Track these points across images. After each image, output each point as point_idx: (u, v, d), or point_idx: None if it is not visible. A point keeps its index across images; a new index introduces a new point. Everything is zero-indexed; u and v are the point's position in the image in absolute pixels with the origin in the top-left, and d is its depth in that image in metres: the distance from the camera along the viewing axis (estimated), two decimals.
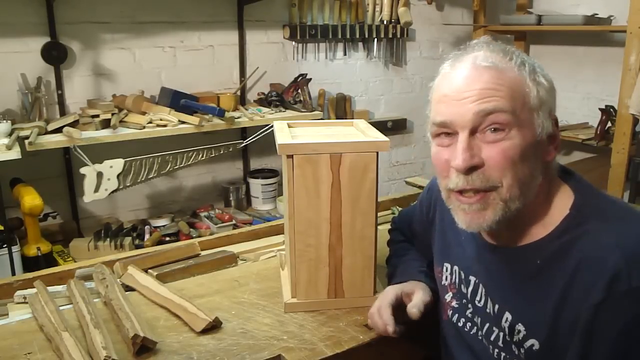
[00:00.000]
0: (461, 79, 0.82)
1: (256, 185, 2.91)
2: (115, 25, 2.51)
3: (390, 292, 1.05)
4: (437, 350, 1.20)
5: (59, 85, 2.42)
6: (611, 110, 2.78)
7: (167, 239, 2.47)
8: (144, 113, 2.39)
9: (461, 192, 0.83)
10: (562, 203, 0.84)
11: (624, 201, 0.90)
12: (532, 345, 0.80)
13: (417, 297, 1.03)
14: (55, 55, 2.37)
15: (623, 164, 2.57)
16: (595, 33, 3.03)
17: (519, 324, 0.83)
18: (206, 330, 1.06)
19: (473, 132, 0.81)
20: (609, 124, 2.80)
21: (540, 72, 0.83)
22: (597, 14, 2.87)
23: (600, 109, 2.85)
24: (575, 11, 3.00)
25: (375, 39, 3.22)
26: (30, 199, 2.03)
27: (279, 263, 1.36)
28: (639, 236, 0.75)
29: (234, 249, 1.48)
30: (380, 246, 1.17)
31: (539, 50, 3.45)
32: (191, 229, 2.57)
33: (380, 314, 1.01)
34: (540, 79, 0.82)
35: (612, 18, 2.89)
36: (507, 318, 0.85)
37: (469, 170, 0.81)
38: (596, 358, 0.73)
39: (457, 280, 0.99)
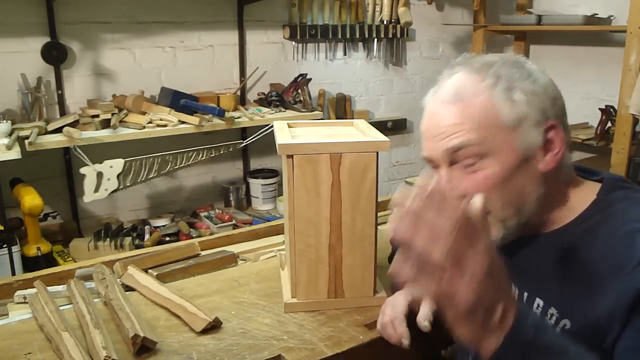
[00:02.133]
0: (430, 118, 0.85)
1: (256, 185, 2.91)
2: (115, 25, 2.51)
3: (401, 301, 1.05)
4: (437, 350, 1.20)
5: (59, 85, 2.42)
6: (611, 110, 2.78)
7: (167, 239, 2.47)
8: (144, 113, 2.39)
9: None
10: (588, 193, 0.85)
11: None
12: (565, 325, 0.80)
13: (427, 307, 1.03)
14: (55, 55, 2.37)
15: (623, 164, 2.57)
16: (595, 33, 3.03)
17: (552, 308, 0.83)
18: (206, 330, 1.06)
19: (452, 164, 0.83)
20: (609, 124, 2.80)
21: (519, 84, 0.80)
22: (597, 14, 2.87)
23: (600, 109, 2.84)
24: (575, 11, 3.00)
25: (375, 39, 3.22)
26: (30, 199, 2.03)
27: (279, 263, 1.36)
28: None
29: (234, 249, 1.48)
30: (380, 246, 1.17)
31: (539, 50, 3.46)
32: (191, 229, 2.56)
33: (395, 326, 1.02)
34: (516, 95, 0.80)
35: (612, 18, 2.89)
36: (538, 304, 0.85)
37: None
38: None
39: None
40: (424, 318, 1.01)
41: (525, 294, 0.88)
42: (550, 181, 0.83)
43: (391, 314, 1.03)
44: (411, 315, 1.03)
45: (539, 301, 0.85)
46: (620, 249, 0.75)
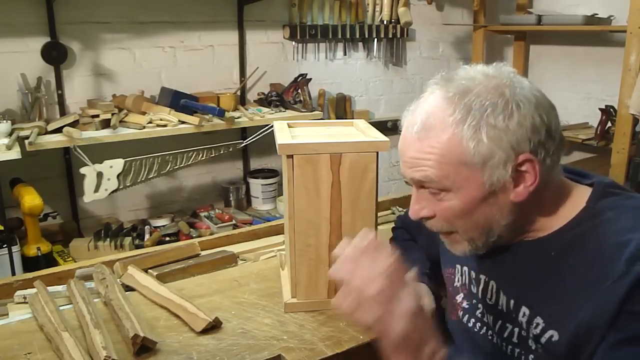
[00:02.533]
0: (401, 142, 0.87)
1: (256, 185, 2.91)
2: (115, 25, 2.51)
3: None
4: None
5: (59, 85, 2.42)
6: (611, 110, 2.78)
7: (167, 239, 2.47)
8: (144, 113, 2.39)
9: None
10: (577, 200, 0.84)
11: None
12: (552, 336, 0.80)
13: (424, 305, 1.03)
14: (55, 55, 2.37)
15: (623, 164, 2.56)
16: (595, 33, 3.03)
17: (537, 317, 0.82)
18: (206, 330, 1.06)
19: (421, 187, 0.85)
20: (609, 124, 2.80)
21: (489, 121, 0.76)
22: (597, 14, 2.87)
23: (600, 109, 2.84)
24: (575, 11, 3.00)
25: (375, 39, 3.22)
26: (30, 199, 2.03)
27: (279, 263, 1.36)
28: None
29: (234, 249, 1.48)
30: None
31: (539, 50, 3.46)
32: (191, 229, 2.57)
33: None
34: (483, 134, 0.76)
35: (612, 18, 2.89)
36: (524, 312, 0.85)
37: (423, 219, 0.87)
38: (621, 334, 0.71)
39: (467, 281, 0.99)
40: None
41: (512, 302, 0.87)
42: (525, 207, 0.82)
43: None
44: None
45: (524, 309, 0.85)
46: (606, 260, 0.74)
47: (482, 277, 0.94)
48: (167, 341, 1.03)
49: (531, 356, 0.84)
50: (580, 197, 0.84)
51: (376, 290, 0.72)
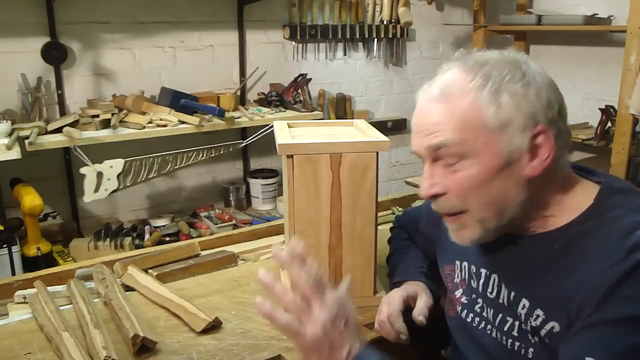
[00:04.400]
0: (417, 113, 0.86)
1: (256, 185, 2.91)
2: (115, 25, 2.51)
3: (396, 298, 1.05)
4: (437, 350, 1.20)
5: (59, 85, 2.42)
6: (611, 110, 2.78)
7: (167, 239, 2.47)
8: (144, 113, 2.39)
9: None
10: (585, 196, 0.84)
11: None
12: (553, 327, 0.80)
13: (422, 302, 1.03)
14: (55, 55, 2.37)
15: (623, 164, 2.57)
16: (595, 33, 3.03)
17: (537, 309, 0.82)
18: (206, 330, 1.06)
19: (435, 160, 0.84)
20: (609, 124, 2.80)
21: (508, 87, 0.78)
22: (597, 14, 2.87)
23: (600, 109, 2.84)
24: (575, 11, 3.00)
25: (375, 39, 3.22)
26: (30, 199, 2.03)
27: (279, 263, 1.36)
28: None
29: (234, 249, 1.48)
30: (380, 246, 1.17)
31: (539, 50, 3.46)
32: (191, 229, 2.57)
33: (392, 322, 1.01)
34: (503, 98, 0.78)
35: (612, 18, 2.89)
36: (524, 305, 0.85)
37: (433, 197, 0.85)
38: (606, 314, 0.71)
39: (467, 276, 0.99)
40: (419, 313, 1.01)
41: (512, 294, 0.87)
42: (537, 186, 0.82)
43: (387, 311, 1.03)
44: (409, 311, 1.03)
45: (525, 301, 0.85)
46: (608, 250, 0.74)
47: (483, 271, 0.94)
48: (167, 341, 1.03)
49: (531, 349, 0.84)
50: (587, 193, 0.84)
51: (289, 300, 0.79)
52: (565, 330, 0.77)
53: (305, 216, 1.10)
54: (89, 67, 2.49)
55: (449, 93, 0.81)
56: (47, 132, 2.20)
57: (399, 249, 1.24)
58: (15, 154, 2.00)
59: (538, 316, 0.82)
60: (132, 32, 2.55)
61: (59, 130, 2.21)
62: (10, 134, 2.11)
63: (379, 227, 1.17)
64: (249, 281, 1.29)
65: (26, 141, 2.05)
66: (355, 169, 1.09)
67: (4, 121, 2.13)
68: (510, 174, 0.80)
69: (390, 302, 1.04)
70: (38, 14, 2.32)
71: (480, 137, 0.79)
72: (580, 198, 0.84)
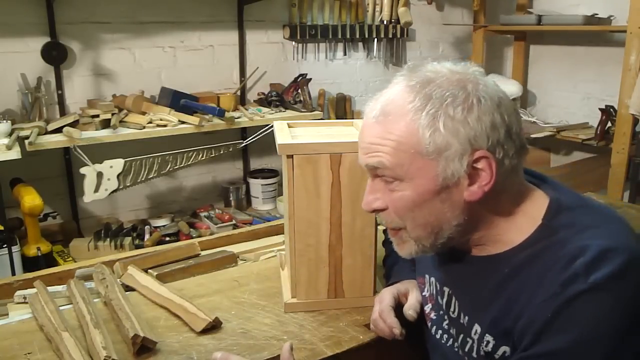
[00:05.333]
0: (360, 129, 0.85)
1: (256, 185, 2.91)
2: (115, 25, 2.51)
3: (387, 295, 1.05)
4: None
5: (59, 85, 2.42)
6: (611, 110, 2.78)
7: (167, 239, 2.48)
8: (144, 113, 2.39)
9: None
10: (534, 212, 0.82)
11: (605, 206, 0.87)
12: (505, 352, 0.80)
13: (412, 297, 1.03)
14: (55, 55, 2.37)
15: (623, 164, 2.57)
16: (595, 33, 3.03)
17: (487, 334, 0.82)
18: (206, 330, 1.06)
19: (376, 177, 0.84)
20: (609, 124, 2.80)
21: (447, 111, 0.75)
22: (597, 14, 2.87)
23: (600, 109, 2.85)
24: (575, 11, 3.00)
25: (375, 39, 3.22)
26: (30, 199, 2.03)
27: (279, 263, 1.36)
28: (607, 239, 0.74)
29: (234, 249, 1.48)
30: (380, 246, 1.17)
31: (539, 50, 3.46)
32: (191, 229, 2.57)
33: (384, 318, 1.01)
34: (440, 123, 0.75)
35: (612, 18, 2.89)
36: (476, 330, 0.84)
37: (375, 211, 0.85)
38: (540, 348, 0.72)
39: (434, 291, 0.98)
40: (409, 307, 1.00)
41: (467, 318, 0.87)
42: (478, 208, 0.80)
43: (379, 308, 1.03)
44: (399, 308, 1.03)
45: (477, 327, 0.84)
46: (549, 279, 0.74)
47: (446, 289, 0.94)
48: (167, 341, 1.03)
49: None
50: (538, 208, 0.82)
51: None
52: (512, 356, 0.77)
53: (305, 216, 1.10)
54: (89, 67, 2.49)
55: (387, 112, 0.80)
56: (47, 132, 2.20)
57: (393, 251, 1.24)
58: (15, 154, 2.00)
59: (489, 342, 0.82)
60: (132, 32, 2.55)
61: (59, 130, 2.22)
62: (10, 134, 2.11)
63: (379, 227, 1.17)
64: (249, 281, 1.29)
65: (26, 141, 2.05)
66: (355, 169, 1.09)
67: (4, 121, 2.13)
68: (447, 197, 0.79)
69: (381, 300, 1.04)
70: (38, 14, 2.32)
71: (415, 162, 0.78)
72: (530, 215, 0.82)
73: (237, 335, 1.06)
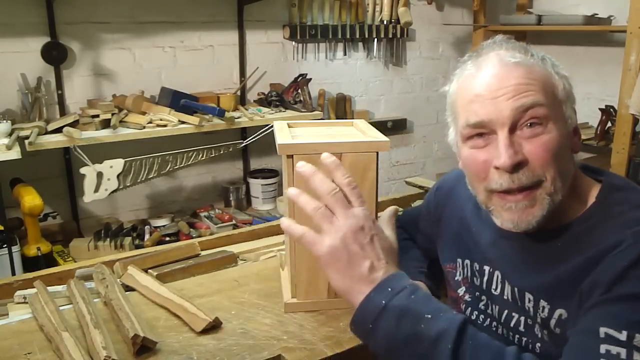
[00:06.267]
0: (492, 77, 0.81)
1: (256, 185, 2.91)
2: (115, 25, 2.51)
3: None
4: None
5: (59, 85, 2.42)
6: (611, 110, 2.78)
7: (167, 239, 2.48)
8: (144, 113, 2.39)
9: (506, 191, 0.82)
10: (588, 193, 0.85)
11: None
12: (561, 315, 0.80)
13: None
14: (55, 55, 2.37)
15: (623, 164, 2.57)
16: (595, 33, 3.03)
17: (541, 300, 0.83)
18: (206, 330, 1.06)
19: (512, 129, 0.80)
20: (609, 124, 2.81)
21: (559, 66, 0.85)
22: (597, 14, 2.87)
23: (600, 109, 2.85)
24: (575, 11, 3.00)
25: (375, 39, 3.22)
26: (30, 199, 2.03)
27: (279, 263, 1.36)
28: None
29: (234, 249, 1.48)
30: None
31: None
32: (191, 229, 2.57)
33: None
34: (563, 72, 0.84)
35: (612, 18, 2.90)
36: (529, 298, 0.85)
37: (515, 167, 0.80)
38: (622, 290, 0.71)
39: (469, 274, 0.99)
40: None
41: (516, 289, 0.88)
42: (572, 167, 0.85)
43: None
44: None
45: (529, 295, 0.85)
46: (616, 241, 0.75)
47: (487, 268, 0.94)
48: (167, 341, 1.03)
49: (538, 344, 0.85)
50: (590, 190, 0.86)
51: (313, 205, 0.79)
52: (575, 314, 0.77)
53: (305, 216, 1.10)
54: (89, 67, 2.49)
55: (522, 60, 0.83)
56: (47, 132, 2.20)
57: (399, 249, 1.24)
58: (15, 154, 2.00)
59: (544, 307, 0.82)
60: (132, 32, 2.55)
61: (59, 130, 2.22)
62: (10, 134, 2.11)
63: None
64: (249, 281, 1.29)
65: (26, 141, 2.05)
66: (355, 169, 1.08)
67: (4, 121, 2.13)
68: (568, 145, 0.84)
69: None
70: (38, 14, 2.32)
71: (555, 104, 0.82)
72: (584, 195, 0.85)
73: (237, 335, 1.06)
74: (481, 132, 0.83)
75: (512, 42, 0.87)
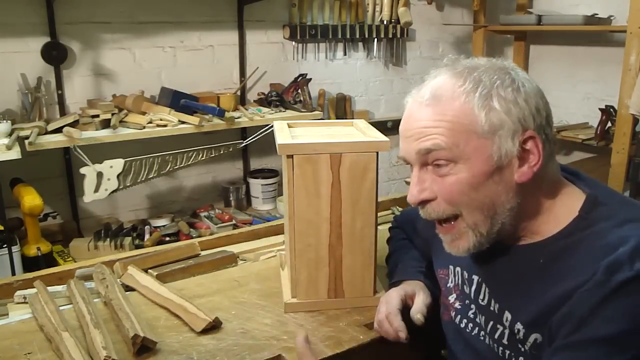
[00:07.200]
0: (406, 118, 0.85)
1: (256, 185, 2.91)
2: (115, 25, 2.51)
3: (394, 297, 1.05)
4: (437, 350, 1.20)
5: (59, 85, 2.42)
6: (611, 110, 2.78)
7: (167, 239, 2.47)
8: (144, 113, 2.39)
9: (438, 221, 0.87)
10: (571, 205, 0.83)
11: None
12: (536, 339, 0.80)
13: (419, 300, 1.03)
14: (55, 55, 2.37)
15: (623, 164, 2.56)
16: (595, 33, 3.03)
17: (518, 322, 0.83)
18: (206, 330, 1.06)
19: (424, 165, 0.83)
20: (609, 124, 2.80)
21: (498, 92, 0.78)
22: (597, 14, 2.87)
23: (600, 109, 2.84)
24: (575, 11, 3.00)
25: (375, 39, 3.22)
26: (30, 199, 2.03)
27: (279, 263, 1.36)
28: None
29: (234, 249, 1.48)
30: (380, 246, 1.17)
31: (539, 50, 3.45)
32: (191, 229, 2.57)
33: (390, 321, 1.01)
34: (494, 103, 0.78)
35: (612, 18, 2.89)
36: (507, 317, 0.85)
37: (421, 203, 0.85)
38: (586, 334, 0.71)
39: (459, 281, 0.99)
40: (417, 311, 1.01)
41: (497, 305, 0.88)
42: (527, 192, 0.82)
43: (385, 310, 1.03)
44: (405, 310, 1.03)
45: (507, 314, 0.85)
46: (589, 268, 0.74)
47: (475, 277, 0.94)
48: (167, 341, 1.03)
49: (521, 358, 0.84)
50: (574, 202, 0.83)
51: None
52: (547, 343, 0.77)
53: (305, 216, 1.10)
54: (89, 67, 2.49)
55: (439, 96, 0.81)
56: (47, 132, 2.20)
57: (397, 249, 1.24)
58: (15, 154, 2.00)
59: (519, 330, 0.82)
60: (132, 32, 2.55)
61: (59, 130, 2.21)
62: (10, 134, 2.11)
63: (379, 227, 1.17)
64: (249, 281, 1.29)
65: (26, 141, 2.05)
66: (355, 169, 1.09)
67: (4, 121, 2.13)
68: (500, 179, 0.80)
69: (389, 301, 1.04)
70: (38, 14, 2.32)
71: (470, 141, 0.79)
72: (567, 207, 0.83)
73: (237, 335, 1.06)
74: (407, 163, 0.87)
75: (459, 64, 0.84)
